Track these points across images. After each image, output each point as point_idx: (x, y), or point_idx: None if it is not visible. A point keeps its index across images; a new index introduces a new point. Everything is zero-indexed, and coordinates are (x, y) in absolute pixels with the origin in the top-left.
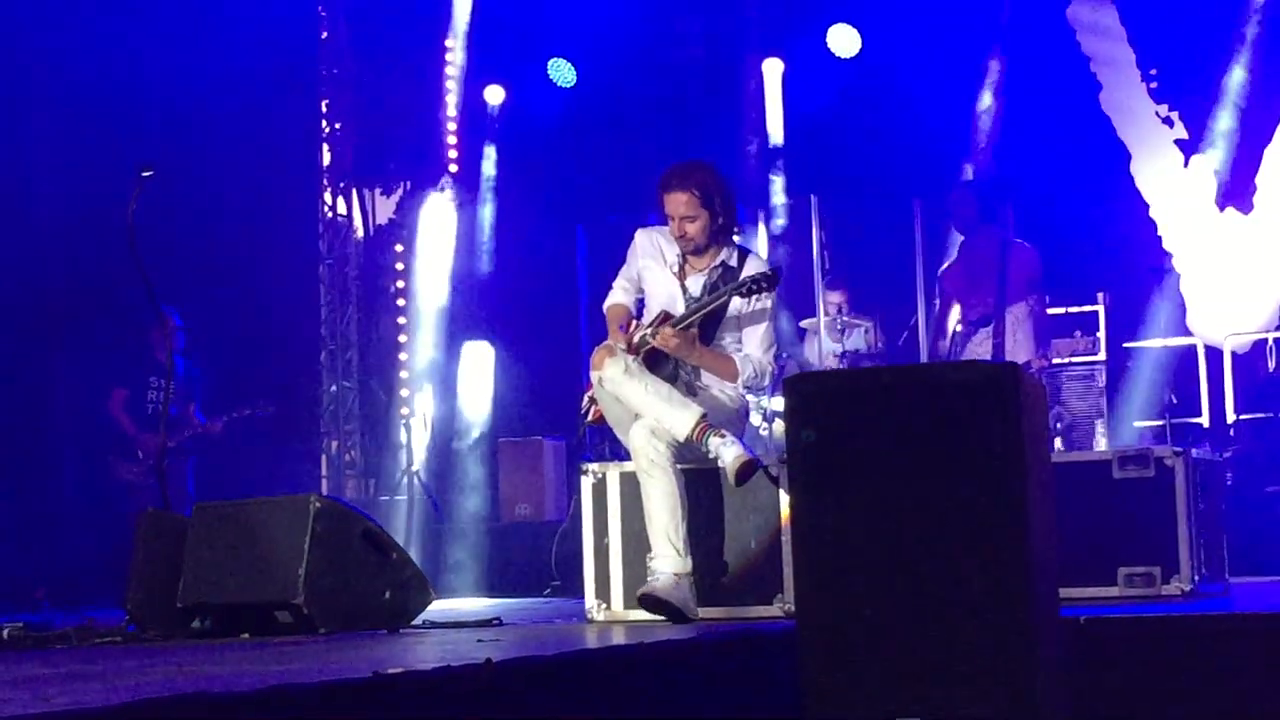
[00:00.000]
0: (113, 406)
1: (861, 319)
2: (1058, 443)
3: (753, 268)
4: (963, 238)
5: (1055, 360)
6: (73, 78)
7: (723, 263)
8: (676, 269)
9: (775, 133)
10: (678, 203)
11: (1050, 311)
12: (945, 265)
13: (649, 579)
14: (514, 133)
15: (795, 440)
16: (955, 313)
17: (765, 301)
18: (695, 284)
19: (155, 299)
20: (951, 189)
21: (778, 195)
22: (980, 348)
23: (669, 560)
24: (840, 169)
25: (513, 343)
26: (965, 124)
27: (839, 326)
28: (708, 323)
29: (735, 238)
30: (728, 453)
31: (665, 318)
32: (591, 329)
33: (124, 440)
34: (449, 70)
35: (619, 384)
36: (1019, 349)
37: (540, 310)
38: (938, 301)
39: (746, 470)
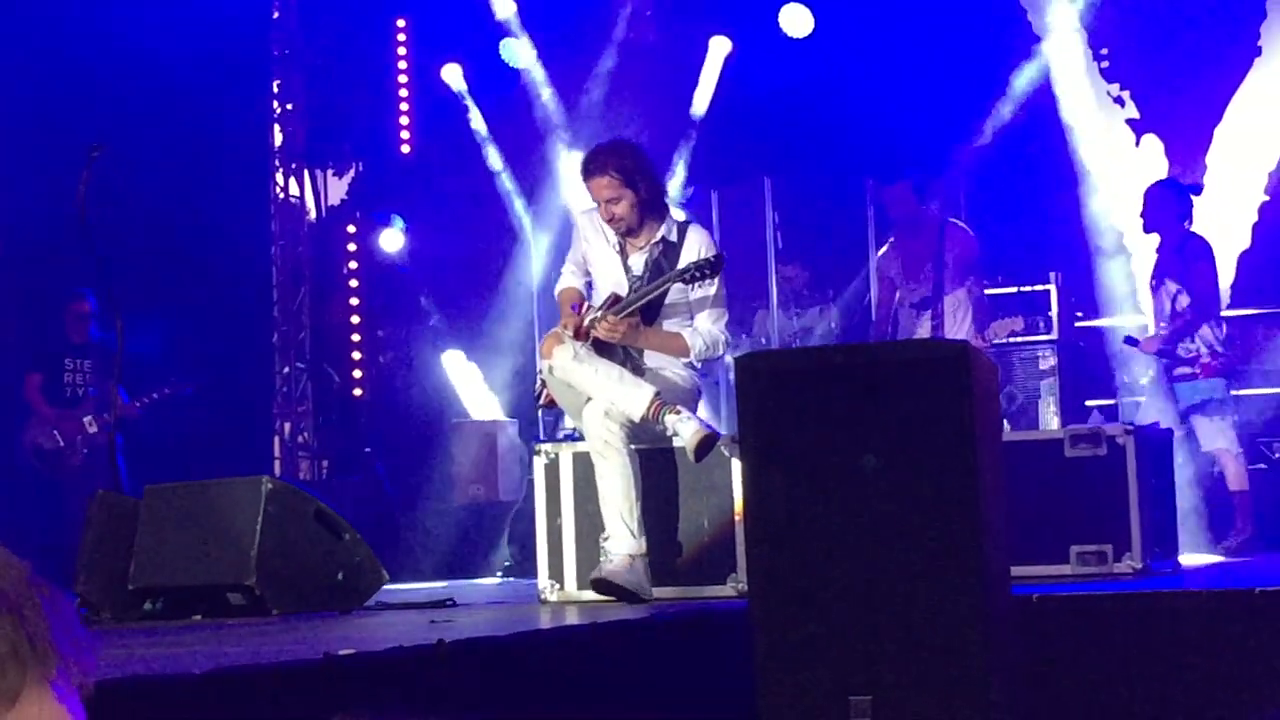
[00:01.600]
0: (28, 391)
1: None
2: (1006, 424)
3: (694, 242)
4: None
5: (995, 341)
6: (16, 55)
7: (662, 238)
8: (618, 249)
9: (699, 105)
10: (599, 187)
11: (1002, 291)
12: (882, 250)
13: (602, 561)
14: (465, 113)
15: (749, 419)
16: (894, 297)
17: (712, 286)
18: (637, 262)
19: (107, 279)
20: (885, 187)
21: (676, 179)
22: (921, 330)
23: (623, 541)
24: (793, 149)
25: (466, 325)
26: (917, 105)
27: (793, 307)
28: (649, 308)
29: (680, 215)
30: (685, 428)
31: (615, 300)
32: (545, 310)
33: (42, 423)
34: (400, 50)
35: (569, 370)
36: (959, 331)
37: (493, 293)
38: (876, 286)
39: (706, 444)
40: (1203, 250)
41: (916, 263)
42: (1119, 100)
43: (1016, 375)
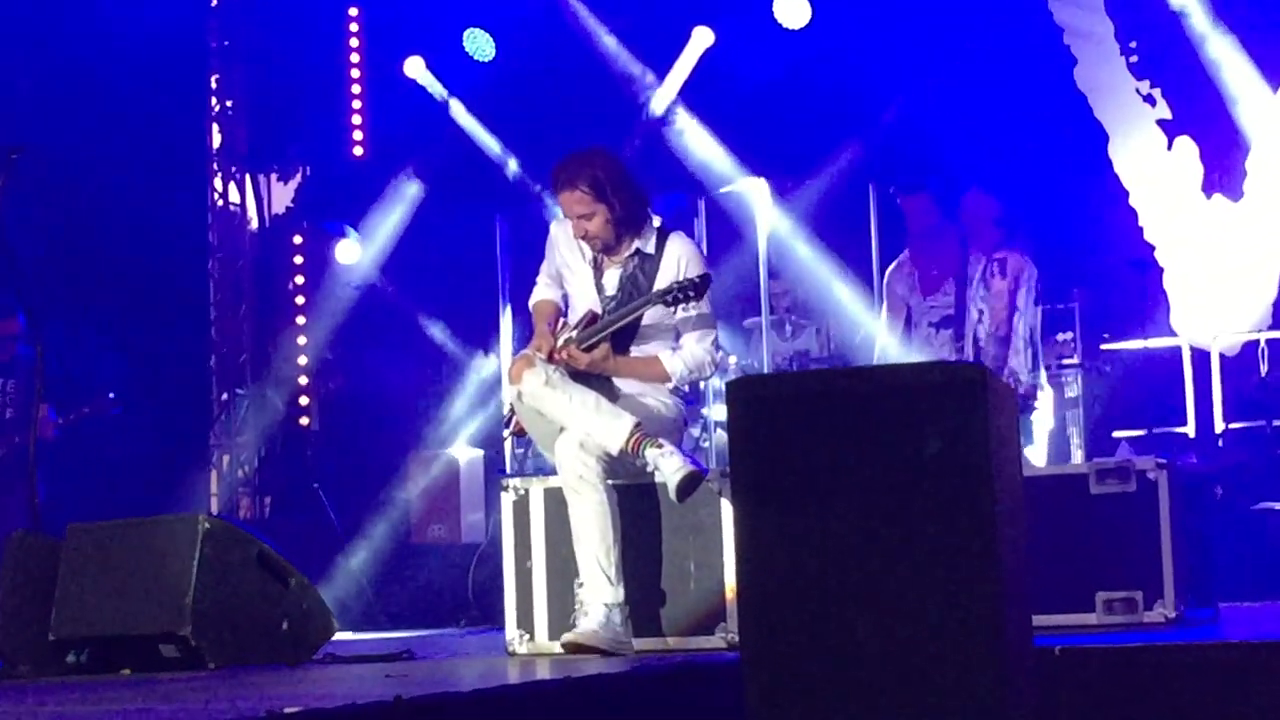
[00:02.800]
0: None
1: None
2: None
3: (675, 254)
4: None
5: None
6: None
7: (637, 250)
8: (593, 264)
9: (659, 102)
10: (570, 203)
11: None
12: (893, 266)
13: (576, 612)
14: (426, 112)
15: (740, 452)
16: (906, 317)
17: (700, 306)
18: (611, 279)
19: (26, 292)
20: (903, 195)
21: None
22: (943, 351)
23: (599, 589)
24: (789, 149)
25: (426, 346)
26: (925, 102)
27: (787, 327)
28: (626, 331)
29: (655, 221)
30: (668, 464)
31: (593, 318)
32: (516, 329)
33: None
34: (354, 42)
35: (540, 398)
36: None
37: (459, 308)
38: (883, 306)
39: (690, 483)
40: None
41: (936, 279)
42: (1149, 99)
43: None
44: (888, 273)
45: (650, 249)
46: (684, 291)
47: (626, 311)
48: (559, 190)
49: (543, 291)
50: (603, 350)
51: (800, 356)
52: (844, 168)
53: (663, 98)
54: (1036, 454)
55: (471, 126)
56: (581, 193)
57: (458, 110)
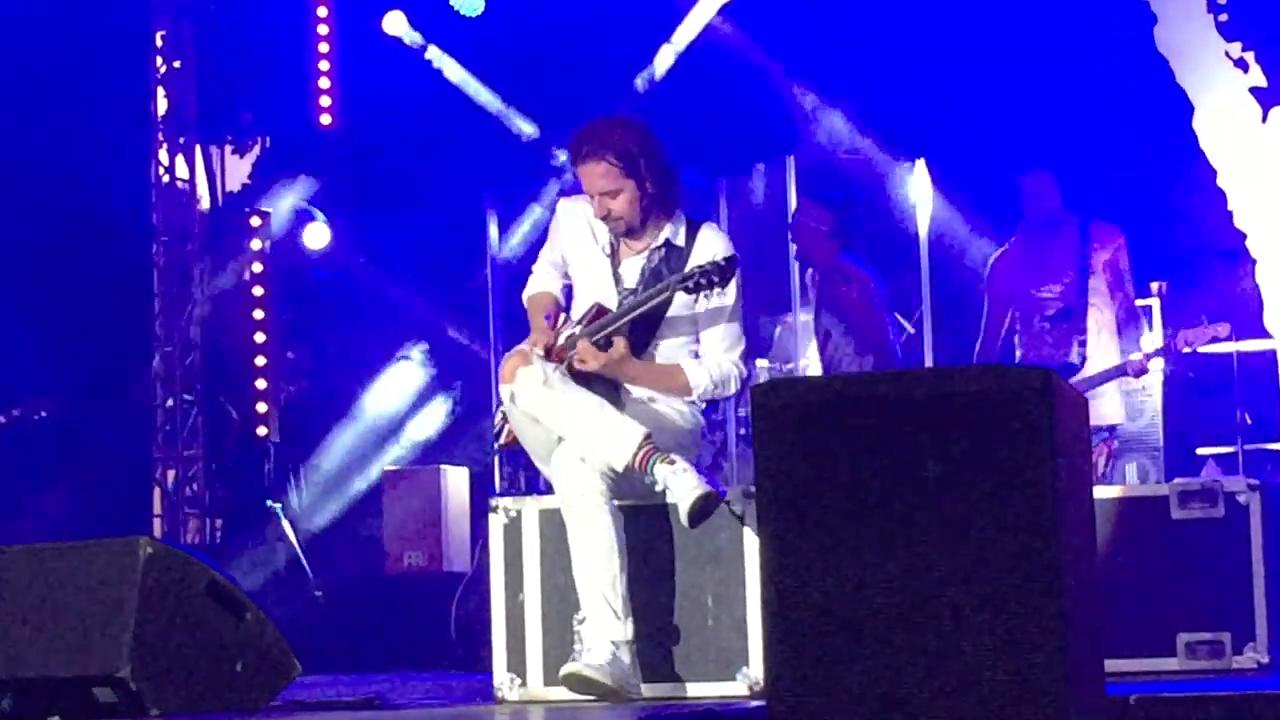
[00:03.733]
0: None
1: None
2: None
3: (707, 245)
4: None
5: (1187, 350)
6: None
7: (666, 241)
8: (609, 250)
9: (659, 65)
10: (594, 176)
11: None
12: (996, 254)
13: (577, 650)
14: (407, 75)
15: (767, 468)
16: (1008, 313)
17: (725, 297)
18: (631, 270)
19: None
20: (1025, 173)
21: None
22: (1059, 349)
23: (604, 625)
24: (824, 123)
25: (404, 345)
26: (980, 61)
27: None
28: (643, 325)
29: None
30: (680, 484)
31: (600, 311)
32: (506, 325)
33: None
34: None
35: (536, 400)
36: (1101, 351)
37: (439, 302)
38: (986, 300)
39: (704, 507)
40: None
41: (1053, 270)
42: (1241, 64)
43: None
44: (989, 262)
45: (680, 240)
46: (708, 276)
47: (644, 299)
48: (581, 161)
49: (541, 281)
50: (619, 348)
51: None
52: (890, 143)
53: (663, 61)
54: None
55: (465, 82)
56: (609, 165)
57: (448, 66)
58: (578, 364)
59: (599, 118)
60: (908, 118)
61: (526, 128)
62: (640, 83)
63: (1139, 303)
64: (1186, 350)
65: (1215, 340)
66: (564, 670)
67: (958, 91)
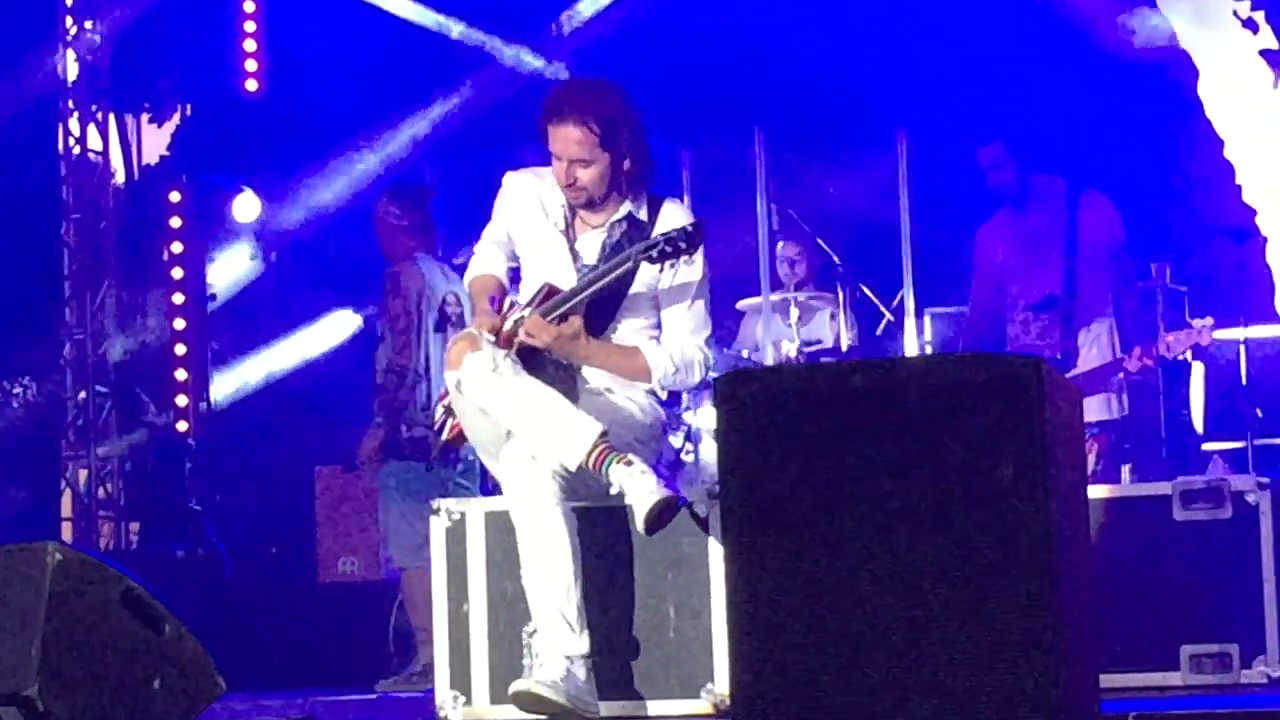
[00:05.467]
0: None
1: (823, 298)
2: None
3: (671, 221)
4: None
5: (1165, 353)
6: None
7: (628, 215)
8: (564, 225)
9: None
10: (568, 140)
11: None
12: (986, 224)
13: (527, 665)
14: (338, 36)
15: (732, 466)
16: (1000, 291)
17: (691, 271)
18: (590, 246)
19: None
20: (980, 147)
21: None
22: (1046, 339)
23: (557, 638)
24: (794, 90)
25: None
26: (965, 23)
27: (793, 309)
28: (603, 304)
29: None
30: (637, 488)
31: (550, 292)
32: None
33: None
34: None
35: (485, 390)
36: (1093, 348)
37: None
38: (974, 278)
39: (663, 511)
40: None
41: (1036, 249)
42: (1250, 24)
43: None
44: (977, 235)
45: (643, 214)
46: (674, 243)
47: (603, 272)
48: (558, 120)
49: (484, 263)
50: (574, 325)
51: (812, 349)
52: (865, 111)
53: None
54: None
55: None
56: (588, 131)
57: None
58: (524, 337)
59: (580, 78)
60: (886, 84)
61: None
62: (564, 23)
63: (1137, 285)
64: (1169, 356)
65: (1198, 345)
66: (514, 687)
67: (942, 57)
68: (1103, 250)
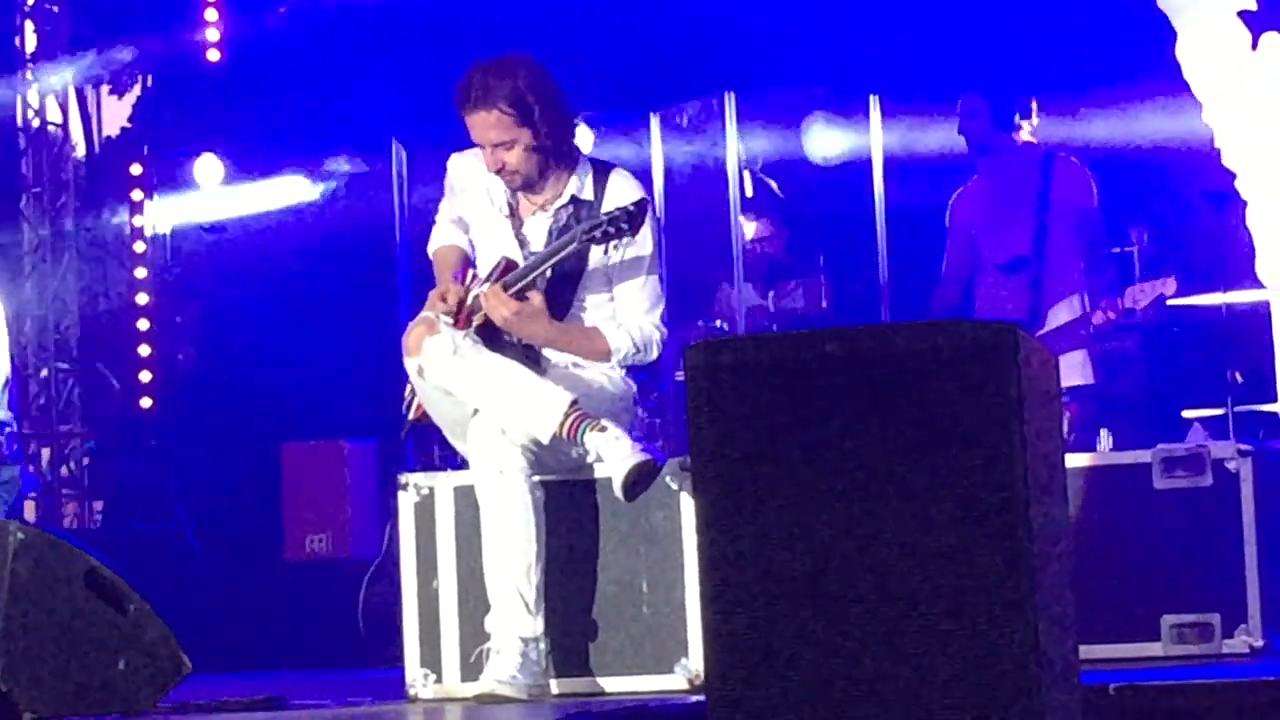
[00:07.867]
0: None
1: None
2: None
3: (618, 195)
4: (982, 156)
5: (1135, 306)
6: None
7: (572, 198)
8: (508, 211)
9: None
10: (484, 127)
11: None
12: (960, 190)
13: (484, 651)
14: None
15: (703, 437)
16: (972, 254)
17: (640, 246)
18: (537, 229)
19: None
20: (960, 97)
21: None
22: (1013, 301)
23: (513, 619)
24: (765, 53)
25: (305, 306)
26: None
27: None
28: (563, 282)
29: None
30: (614, 451)
31: (509, 266)
32: (414, 285)
33: None
34: None
35: (447, 372)
36: (1060, 306)
37: (343, 261)
38: (946, 244)
39: (642, 475)
40: None
41: (1007, 212)
42: None
43: None
44: (953, 198)
45: (588, 193)
46: (615, 224)
47: (549, 253)
48: (469, 110)
49: (446, 234)
50: (535, 302)
51: (782, 316)
52: (839, 74)
53: None
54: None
55: None
56: (500, 113)
57: None
58: (485, 307)
59: (483, 61)
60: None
61: None
62: None
63: (1115, 250)
64: (1132, 307)
65: (1162, 298)
66: (474, 692)
67: (917, 15)
68: (1073, 214)
